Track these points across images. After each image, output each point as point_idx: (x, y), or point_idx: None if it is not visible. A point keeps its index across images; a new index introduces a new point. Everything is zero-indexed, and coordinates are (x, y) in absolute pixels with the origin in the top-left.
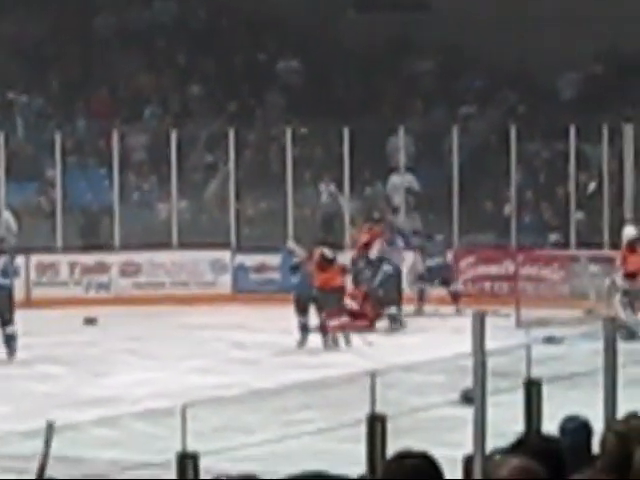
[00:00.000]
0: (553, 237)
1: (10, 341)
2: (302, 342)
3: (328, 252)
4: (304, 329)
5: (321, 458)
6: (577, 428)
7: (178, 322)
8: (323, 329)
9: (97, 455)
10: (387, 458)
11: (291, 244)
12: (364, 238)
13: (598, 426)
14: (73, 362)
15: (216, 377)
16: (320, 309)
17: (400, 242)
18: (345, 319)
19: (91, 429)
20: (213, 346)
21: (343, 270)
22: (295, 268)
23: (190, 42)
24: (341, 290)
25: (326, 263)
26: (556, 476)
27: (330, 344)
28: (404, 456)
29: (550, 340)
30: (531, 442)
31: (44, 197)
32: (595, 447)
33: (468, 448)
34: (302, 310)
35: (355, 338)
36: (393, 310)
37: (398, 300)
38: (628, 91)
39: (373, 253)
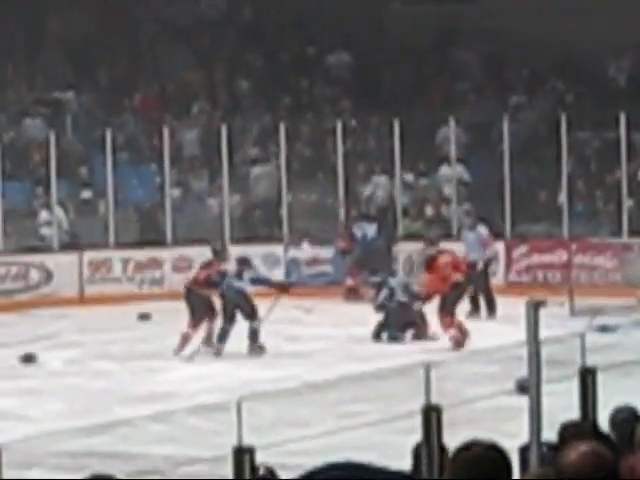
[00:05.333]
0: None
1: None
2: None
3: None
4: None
5: (376, 450)
6: (627, 418)
7: None
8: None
9: (152, 451)
10: (448, 449)
11: None
12: None
13: None
14: (127, 358)
15: (270, 371)
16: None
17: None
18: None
19: (146, 425)
20: (267, 340)
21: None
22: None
23: (238, 36)
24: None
25: None
26: None
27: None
28: (471, 445)
29: (604, 328)
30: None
31: (95, 194)
32: None
33: (524, 437)
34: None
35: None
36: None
37: None
38: None
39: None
